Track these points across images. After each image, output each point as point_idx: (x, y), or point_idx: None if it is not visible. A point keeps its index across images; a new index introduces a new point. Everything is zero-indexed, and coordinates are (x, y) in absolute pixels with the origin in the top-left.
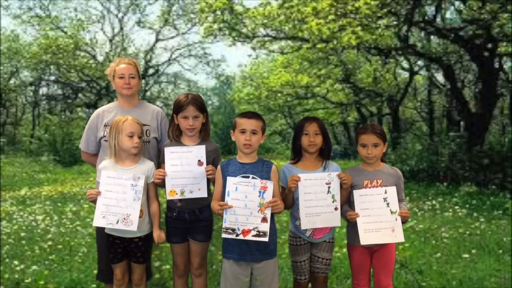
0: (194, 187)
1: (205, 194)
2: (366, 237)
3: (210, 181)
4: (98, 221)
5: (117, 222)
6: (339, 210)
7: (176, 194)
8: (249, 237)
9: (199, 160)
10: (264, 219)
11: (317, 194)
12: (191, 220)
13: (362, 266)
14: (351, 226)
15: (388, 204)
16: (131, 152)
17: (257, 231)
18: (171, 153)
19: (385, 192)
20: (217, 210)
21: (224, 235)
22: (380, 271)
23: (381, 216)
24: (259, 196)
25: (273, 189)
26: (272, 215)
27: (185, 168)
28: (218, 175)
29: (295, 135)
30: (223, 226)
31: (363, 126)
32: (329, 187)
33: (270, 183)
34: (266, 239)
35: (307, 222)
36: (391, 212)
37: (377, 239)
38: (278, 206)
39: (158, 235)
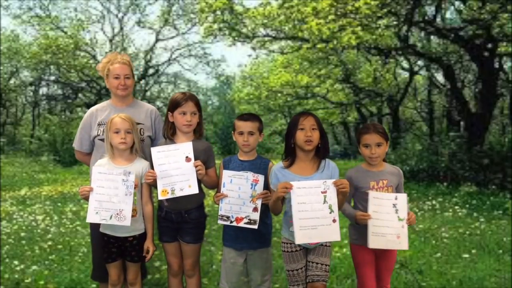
0: (184, 184)
1: (196, 191)
2: (374, 241)
3: (200, 180)
4: (92, 217)
5: (111, 218)
6: (337, 222)
7: (168, 193)
8: (241, 224)
9: (186, 157)
10: (255, 209)
11: (312, 204)
12: (178, 221)
13: (369, 265)
14: (353, 226)
15: (396, 210)
16: (119, 148)
17: (249, 219)
18: (157, 153)
19: (396, 198)
20: (215, 200)
21: (219, 222)
22: (382, 272)
23: (388, 221)
24: (251, 188)
25: (263, 182)
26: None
27: (172, 166)
28: (221, 171)
29: (288, 132)
30: (219, 214)
31: (364, 126)
32: (325, 196)
33: (261, 177)
34: (255, 226)
35: (302, 236)
36: (399, 219)
37: (382, 244)
38: (268, 198)
39: (148, 249)
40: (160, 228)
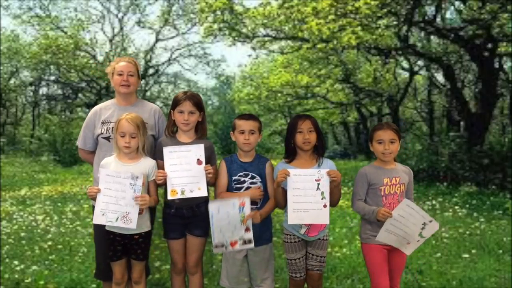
0: (194, 186)
1: (205, 193)
2: (385, 237)
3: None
4: (98, 218)
5: (117, 220)
6: (328, 208)
7: (177, 193)
8: (237, 246)
9: (198, 159)
10: (247, 229)
11: (306, 190)
12: (189, 216)
13: (382, 265)
14: (367, 224)
15: (424, 225)
16: (123, 151)
17: (243, 240)
18: (169, 153)
19: (423, 217)
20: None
21: (215, 250)
22: (394, 272)
23: (409, 229)
24: (239, 212)
25: (250, 204)
26: (263, 204)
27: (184, 168)
28: (222, 169)
29: (288, 133)
30: (213, 244)
31: (378, 123)
32: (318, 184)
33: (247, 199)
34: (252, 245)
35: (294, 218)
36: (419, 234)
37: (392, 241)
38: (256, 216)
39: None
40: (168, 225)
